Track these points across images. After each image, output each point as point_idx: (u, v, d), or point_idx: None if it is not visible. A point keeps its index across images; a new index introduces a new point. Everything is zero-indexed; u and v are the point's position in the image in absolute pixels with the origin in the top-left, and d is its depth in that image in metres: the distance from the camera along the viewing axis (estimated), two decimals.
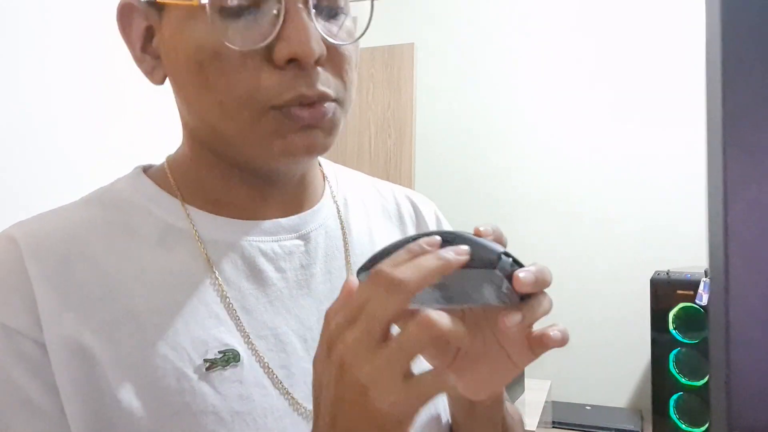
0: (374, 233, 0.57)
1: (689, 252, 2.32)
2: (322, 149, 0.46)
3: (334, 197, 0.57)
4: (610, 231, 2.50)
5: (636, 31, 2.49)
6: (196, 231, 0.48)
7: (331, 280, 0.52)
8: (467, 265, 0.35)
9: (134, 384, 0.42)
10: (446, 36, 2.75)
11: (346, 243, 0.54)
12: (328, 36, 0.43)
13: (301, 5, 0.42)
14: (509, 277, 0.36)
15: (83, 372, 0.42)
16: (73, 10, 1.35)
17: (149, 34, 0.47)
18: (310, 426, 0.41)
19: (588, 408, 2.38)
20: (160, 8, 0.45)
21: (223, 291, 0.47)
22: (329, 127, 0.45)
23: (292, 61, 0.42)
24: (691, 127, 2.38)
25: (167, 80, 0.49)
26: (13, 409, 0.41)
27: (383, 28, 2.82)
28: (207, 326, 0.45)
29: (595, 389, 2.48)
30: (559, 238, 2.56)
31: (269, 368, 0.46)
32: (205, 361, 0.44)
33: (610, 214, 2.51)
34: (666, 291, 2.05)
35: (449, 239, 0.36)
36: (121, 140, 1.45)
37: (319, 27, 0.43)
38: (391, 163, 2.51)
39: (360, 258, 0.54)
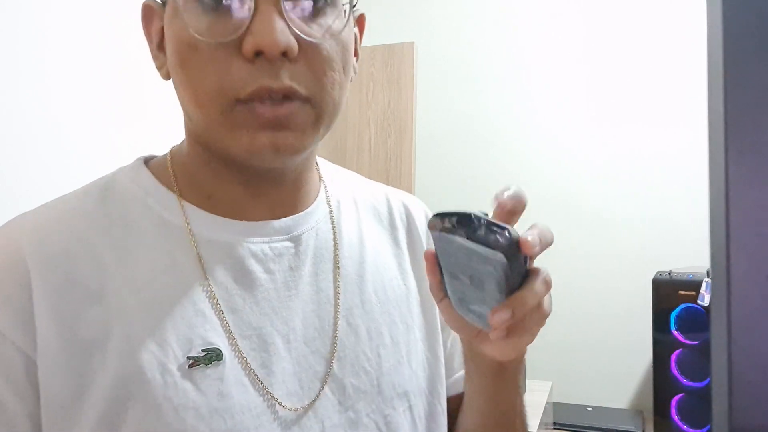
0: (365, 236, 0.59)
1: (691, 252, 2.32)
2: (293, 150, 0.46)
3: (328, 199, 0.58)
4: (611, 231, 2.50)
5: (637, 31, 2.49)
6: (190, 229, 0.50)
7: (317, 282, 0.53)
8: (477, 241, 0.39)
9: (122, 376, 0.44)
10: (446, 35, 2.75)
11: (336, 246, 0.56)
12: (302, 33, 0.44)
13: (271, 2, 0.43)
14: (513, 255, 0.39)
15: (74, 363, 0.44)
16: (80, 5, 1.35)
17: (163, 32, 0.50)
18: (287, 422, 0.47)
19: (589, 409, 2.37)
20: (166, 8, 0.48)
21: (211, 290, 0.48)
22: (300, 128, 0.46)
23: (260, 54, 0.43)
24: (693, 126, 2.38)
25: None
26: None
27: (383, 26, 2.82)
28: (193, 324, 0.47)
29: (596, 390, 2.47)
30: (561, 238, 2.54)
31: (250, 368, 0.47)
32: (188, 358, 0.45)
33: (612, 214, 2.50)
34: (668, 291, 2.04)
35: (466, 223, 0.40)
36: (126, 137, 1.45)
37: (293, 24, 0.44)
38: (391, 163, 2.51)
39: (349, 261, 0.56)
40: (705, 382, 1.98)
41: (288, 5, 0.44)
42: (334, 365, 0.51)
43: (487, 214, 0.41)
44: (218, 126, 0.46)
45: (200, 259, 0.49)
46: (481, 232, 0.39)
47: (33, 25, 1.26)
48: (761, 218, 0.33)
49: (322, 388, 0.50)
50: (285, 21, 0.43)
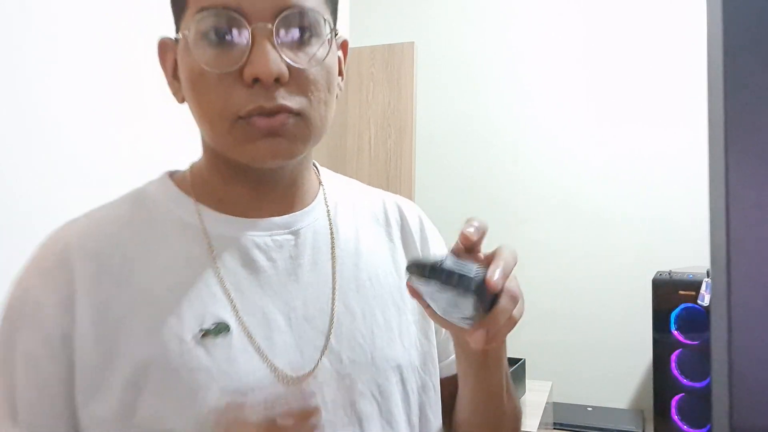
0: (360, 232, 0.67)
1: (691, 252, 2.32)
2: (288, 155, 0.56)
3: (326, 200, 0.67)
4: (611, 231, 2.50)
5: (637, 31, 2.49)
6: (203, 226, 0.60)
7: (316, 269, 0.62)
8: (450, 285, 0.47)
9: (146, 345, 0.54)
10: (446, 35, 2.75)
11: (332, 240, 0.64)
12: (291, 61, 0.54)
13: (266, 36, 0.52)
14: (481, 293, 0.47)
15: (104, 337, 0.54)
16: (91, 13, 1.35)
17: (176, 63, 0.59)
18: (288, 385, 0.56)
19: (589, 409, 2.38)
20: (178, 43, 0.58)
21: (221, 276, 0.58)
22: (292, 136, 0.55)
23: (257, 80, 0.52)
24: (693, 126, 2.38)
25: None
26: (17, 367, 0.54)
27: (383, 27, 2.82)
28: (206, 303, 0.56)
29: (596, 390, 2.47)
30: (561, 238, 2.56)
31: (254, 339, 0.56)
32: (201, 330, 0.55)
33: (612, 214, 2.50)
34: (668, 291, 2.04)
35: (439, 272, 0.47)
36: (126, 137, 1.45)
37: (284, 54, 0.53)
38: (391, 163, 2.51)
39: (345, 252, 0.65)
40: (705, 382, 1.98)
41: (279, 39, 0.53)
42: (332, 339, 0.59)
43: (455, 257, 0.49)
44: (226, 138, 0.55)
45: (212, 251, 0.59)
46: (453, 280, 0.46)
47: (33, 26, 1.26)
48: (761, 218, 0.34)
49: (321, 358, 0.58)
50: (277, 52, 0.53)
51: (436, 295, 0.49)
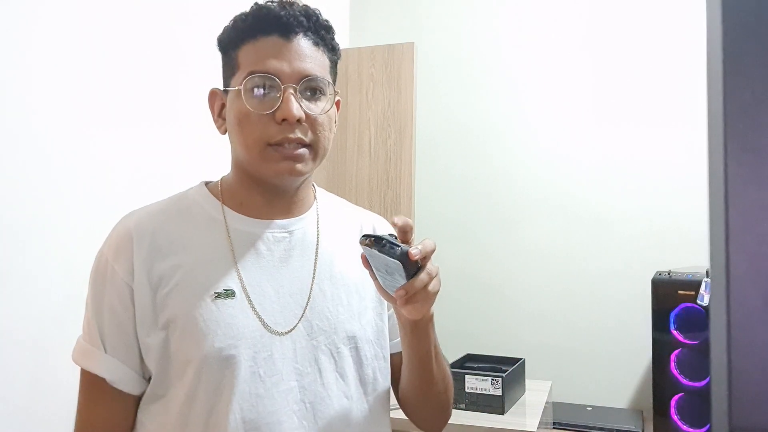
0: (339, 238, 0.91)
1: (691, 252, 2.32)
2: (300, 173, 0.81)
3: (317, 211, 0.91)
4: (611, 231, 2.50)
5: (636, 31, 2.49)
6: (226, 223, 0.84)
7: (303, 261, 0.86)
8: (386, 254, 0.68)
9: (177, 303, 0.78)
10: (446, 35, 2.75)
11: (318, 241, 0.88)
12: (307, 110, 0.80)
13: (291, 92, 0.79)
14: (406, 261, 0.69)
15: (152, 292, 0.78)
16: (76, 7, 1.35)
17: (222, 107, 0.85)
18: (272, 339, 0.79)
19: (589, 409, 2.38)
20: (227, 93, 0.83)
21: (234, 258, 0.82)
22: (304, 160, 0.81)
23: (284, 120, 0.78)
24: (692, 126, 2.38)
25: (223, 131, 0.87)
26: (104, 312, 0.79)
27: (383, 27, 2.82)
28: (221, 275, 0.80)
29: (596, 390, 2.48)
30: (560, 238, 2.56)
31: (252, 303, 0.80)
32: (215, 293, 0.79)
33: (611, 214, 2.50)
34: (667, 291, 2.04)
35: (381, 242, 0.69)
36: (116, 142, 1.45)
37: (303, 105, 0.79)
38: (391, 163, 2.51)
39: (325, 251, 0.88)
40: (704, 382, 1.98)
41: (300, 95, 0.79)
42: (307, 311, 0.83)
43: (393, 236, 0.70)
44: (258, 158, 0.80)
45: (230, 240, 0.83)
46: (386, 248, 0.67)
47: (28, 26, 1.26)
48: (760, 218, 0.34)
49: (297, 323, 0.82)
50: (299, 103, 0.79)
51: (378, 262, 0.70)
